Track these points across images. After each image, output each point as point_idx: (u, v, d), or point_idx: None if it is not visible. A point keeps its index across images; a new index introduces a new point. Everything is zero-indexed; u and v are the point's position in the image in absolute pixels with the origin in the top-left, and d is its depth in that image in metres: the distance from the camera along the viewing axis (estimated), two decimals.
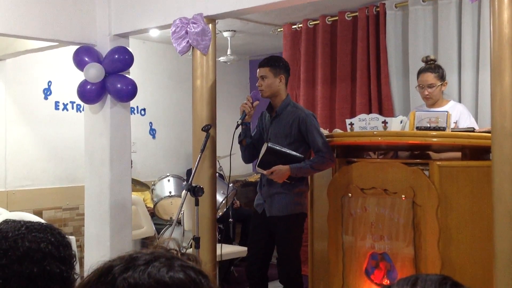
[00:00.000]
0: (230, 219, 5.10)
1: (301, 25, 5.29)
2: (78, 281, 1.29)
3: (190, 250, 3.55)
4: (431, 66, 3.70)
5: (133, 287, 0.74)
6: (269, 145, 3.39)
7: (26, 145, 5.32)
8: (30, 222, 1.34)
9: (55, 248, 1.29)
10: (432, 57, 3.79)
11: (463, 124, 3.48)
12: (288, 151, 3.42)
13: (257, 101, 3.52)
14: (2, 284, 1.22)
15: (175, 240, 0.85)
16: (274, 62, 3.54)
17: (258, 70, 3.55)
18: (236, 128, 3.50)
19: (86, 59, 3.99)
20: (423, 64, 3.78)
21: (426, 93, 3.66)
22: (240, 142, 3.60)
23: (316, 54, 5.22)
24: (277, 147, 3.42)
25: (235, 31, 5.61)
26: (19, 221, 1.33)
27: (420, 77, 3.71)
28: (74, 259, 1.34)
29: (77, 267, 1.35)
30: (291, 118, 3.48)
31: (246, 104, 3.49)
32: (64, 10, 4.05)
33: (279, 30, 5.49)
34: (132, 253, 0.79)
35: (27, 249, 1.26)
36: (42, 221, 1.46)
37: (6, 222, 1.34)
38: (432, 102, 3.69)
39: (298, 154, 3.42)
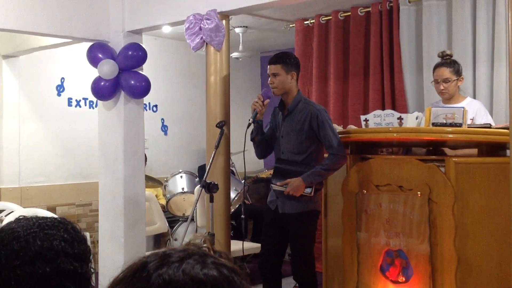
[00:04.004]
0: (242, 216, 5.10)
1: (313, 20, 5.27)
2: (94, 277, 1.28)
3: None
4: (447, 61, 3.67)
5: (168, 283, 0.74)
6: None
7: (39, 141, 5.35)
8: (43, 218, 1.31)
9: (69, 244, 1.26)
10: (448, 52, 3.75)
11: (479, 121, 3.44)
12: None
13: (267, 99, 3.51)
14: (14, 285, 1.20)
15: (209, 238, 0.84)
16: (285, 59, 3.47)
17: (269, 67, 3.49)
18: (248, 127, 3.49)
19: (100, 55, 4.00)
20: (438, 60, 3.75)
21: (442, 87, 3.63)
22: (252, 140, 3.60)
23: (329, 50, 5.19)
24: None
25: (247, 27, 5.60)
26: (32, 218, 1.30)
27: (435, 71, 3.68)
28: (90, 253, 1.31)
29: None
30: (303, 115, 3.45)
31: (257, 102, 3.48)
32: (77, 7, 4.06)
33: (291, 26, 5.47)
34: (166, 250, 0.79)
35: (39, 248, 1.23)
36: (55, 216, 1.43)
37: (19, 220, 1.31)
38: (447, 97, 3.66)
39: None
